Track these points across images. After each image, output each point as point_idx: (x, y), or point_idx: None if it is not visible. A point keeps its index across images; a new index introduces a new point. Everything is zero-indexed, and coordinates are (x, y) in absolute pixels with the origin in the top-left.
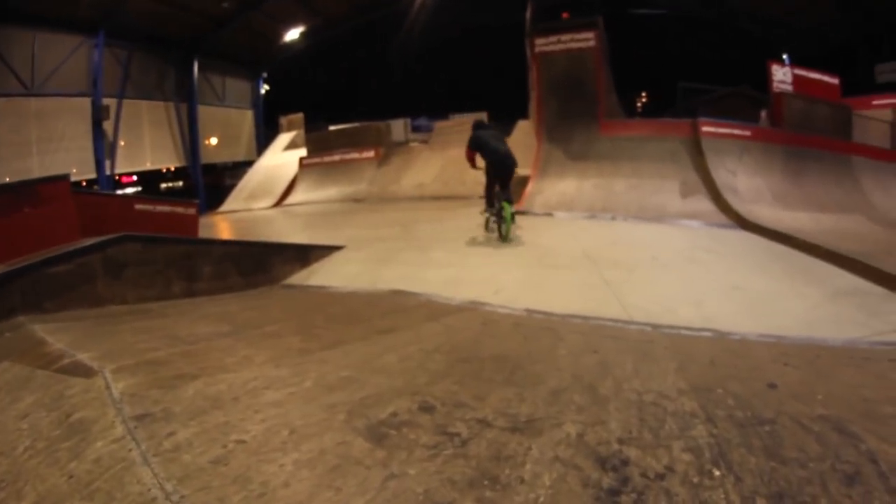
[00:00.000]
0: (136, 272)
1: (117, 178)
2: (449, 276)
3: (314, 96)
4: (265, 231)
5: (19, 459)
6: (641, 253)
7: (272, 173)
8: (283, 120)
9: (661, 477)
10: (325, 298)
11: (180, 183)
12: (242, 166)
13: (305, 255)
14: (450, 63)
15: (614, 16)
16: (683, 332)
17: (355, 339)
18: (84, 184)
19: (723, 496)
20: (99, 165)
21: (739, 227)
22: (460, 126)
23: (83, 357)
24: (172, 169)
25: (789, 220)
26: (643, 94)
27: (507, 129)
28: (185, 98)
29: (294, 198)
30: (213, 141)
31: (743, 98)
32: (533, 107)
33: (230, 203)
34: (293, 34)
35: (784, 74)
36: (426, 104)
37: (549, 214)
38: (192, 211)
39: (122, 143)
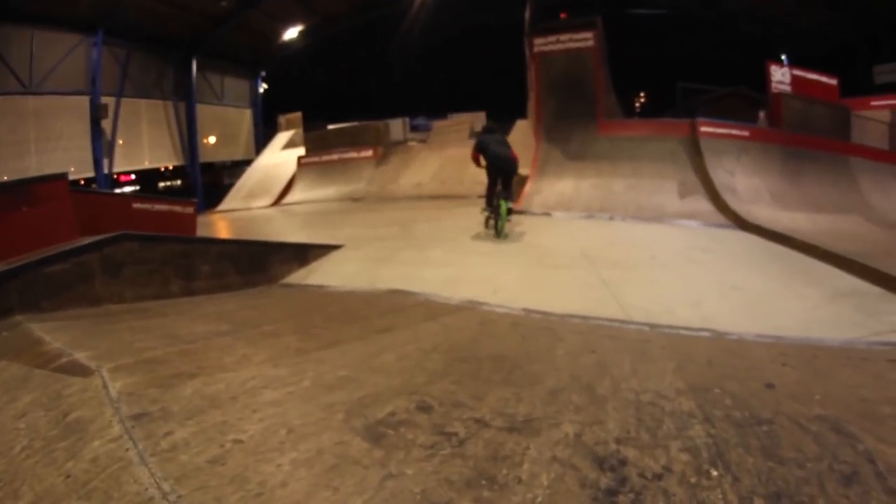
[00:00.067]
0: (134, 271)
1: (115, 176)
2: (447, 275)
3: (313, 95)
4: (263, 230)
5: (16, 459)
6: (640, 253)
7: (270, 172)
8: (282, 119)
9: (658, 477)
10: (323, 298)
11: (178, 182)
12: (241, 165)
13: (304, 254)
14: (449, 62)
15: (613, 16)
16: (681, 332)
17: (353, 339)
18: (82, 182)
19: (720, 496)
20: (97, 164)
21: (738, 228)
22: (459, 126)
23: (81, 356)
24: (171, 168)
25: (787, 220)
26: (642, 95)
27: (506, 128)
28: (184, 97)
29: (292, 197)
30: (212, 140)
31: (741, 98)
32: (531, 106)
33: (228, 202)
34: (292, 33)
35: (782, 75)
36: (425, 103)
37: (548, 214)
38: (190, 210)
39: (121, 142)
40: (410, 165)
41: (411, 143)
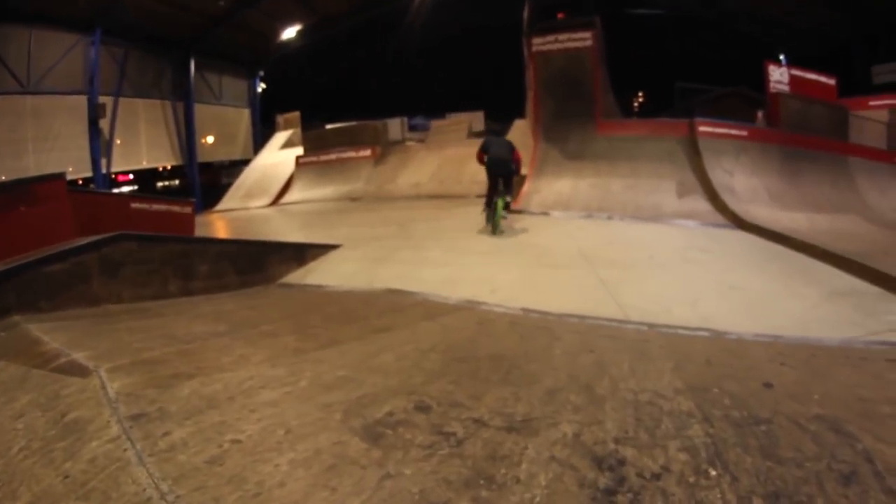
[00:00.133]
0: (132, 271)
1: (113, 176)
2: (445, 275)
3: (311, 95)
4: (261, 230)
5: (14, 460)
6: (638, 252)
7: (269, 172)
8: (280, 118)
9: (657, 477)
10: (321, 297)
11: (177, 181)
12: (239, 165)
13: (302, 254)
14: (447, 62)
15: (611, 15)
16: (680, 331)
17: (351, 339)
18: (80, 182)
19: (719, 496)
20: (95, 164)
21: (736, 227)
22: (457, 125)
23: (79, 356)
24: (169, 167)
25: (786, 220)
26: (640, 94)
27: (505, 129)
28: (182, 96)
29: (290, 196)
30: (210, 139)
31: (740, 98)
32: (530, 106)
33: (226, 202)
34: (290, 33)
35: (781, 75)
36: (423, 103)
37: (546, 214)
38: (188, 210)
39: (119, 142)
40: (408, 165)
41: (409, 143)
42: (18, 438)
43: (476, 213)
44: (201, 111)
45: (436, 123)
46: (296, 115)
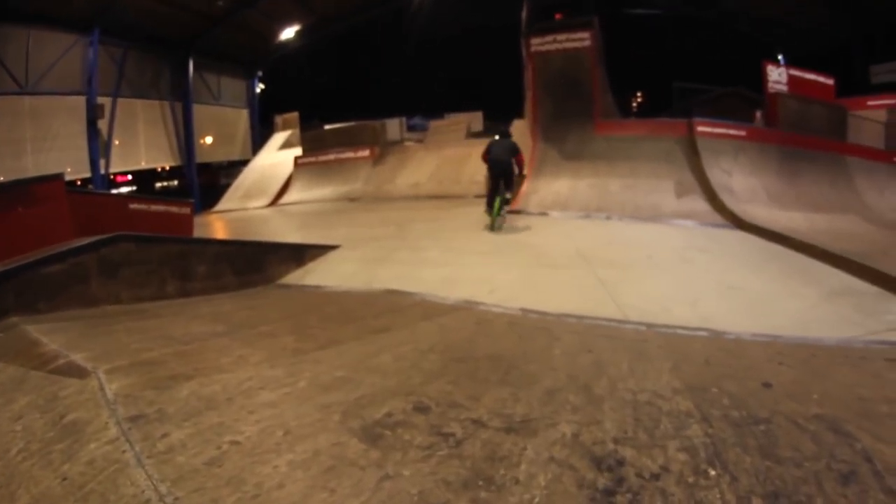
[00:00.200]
0: (131, 272)
1: (112, 177)
2: (444, 275)
3: (309, 95)
4: (260, 230)
5: (13, 461)
6: (636, 252)
7: (267, 172)
8: (279, 119)
9: (656, 477)
10: (320, 298)
11: (175, 182)
12: (237, 165)
13: (300, 254)
14: (446, 62)
15: (610, 16)
16: (678, 331)
17: (350, 339)
18: (79, 183)
19: (718, 496)
20: (93, 164)
21: (735, 227)
22: (455, 125)
23: (77, 358)
24: (167, 168)
25: (785, 219)
26: (639, 94)
27: (503, 128)
28: (181, 97)
29: (289, 197)
30: (209, 140)
31: (738, 98)
32: (528, 106)
33: (225, 202)
34: (289, 33)
35: (779, 75)
36: (421, 103)
37: (545, 214)
38: (186, 210)
39: (117, 142)
40: (407, 165)
41: (408, 143)
42: (17, 440)
43: (474, 213)
44: (200, 112)
45: (434, 124)
46: (294, 115)
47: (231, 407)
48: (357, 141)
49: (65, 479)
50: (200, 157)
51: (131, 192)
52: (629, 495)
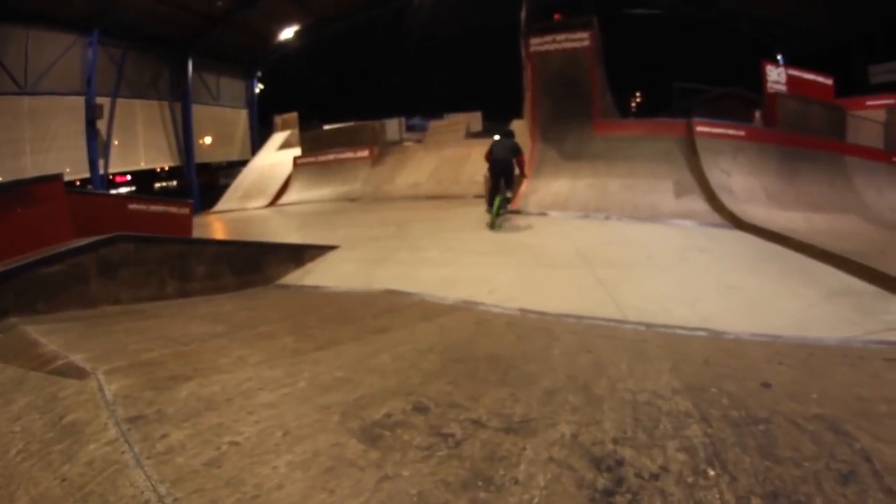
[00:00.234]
0: (130, 272)
1: (111, 177)
2: (443, 275)
3: (309, 95)
4: (259, 231)
5: (12, 462)
6: (636, 252)
7: (266, 173)
8: (278, 119)
9: (655, 477)
10: (319, 298)
11: (174, 182)
12: (237, 166)
13: (300, 254)
14: (445, 62)
15: (609, 16)
16: (678, 331)
17: (349, 340)
18: (78, 183)
19: (717, 496)
20: (93, 165)
21: (734, 227)
22: (455, 126)
23: (76, 358)
24: (166, 168)
25: (783, 219)
26: (638, 94)
27: (502, 128)
28: (180, 97)
29: (288, 197)
30: (208, 140)
31: (737, 98)
32: (527, 106)
33: (224, 203)
34: (288, 33)
35: (778, 75)
36: (421, 103)
37: (544, 214)
38: (185, 211)
39: (116, 143)
40: (406, 165)
41: (407, 144)
42: (16, 441)
43: (474, 213)
44: (199, 112)
45: (434, 124)
46: (293, 115)
47: (230, 407)
48: (356, 141)
49: (64, 479)
50: (199, 158)
51: (130, 192)
52: (628, 495)
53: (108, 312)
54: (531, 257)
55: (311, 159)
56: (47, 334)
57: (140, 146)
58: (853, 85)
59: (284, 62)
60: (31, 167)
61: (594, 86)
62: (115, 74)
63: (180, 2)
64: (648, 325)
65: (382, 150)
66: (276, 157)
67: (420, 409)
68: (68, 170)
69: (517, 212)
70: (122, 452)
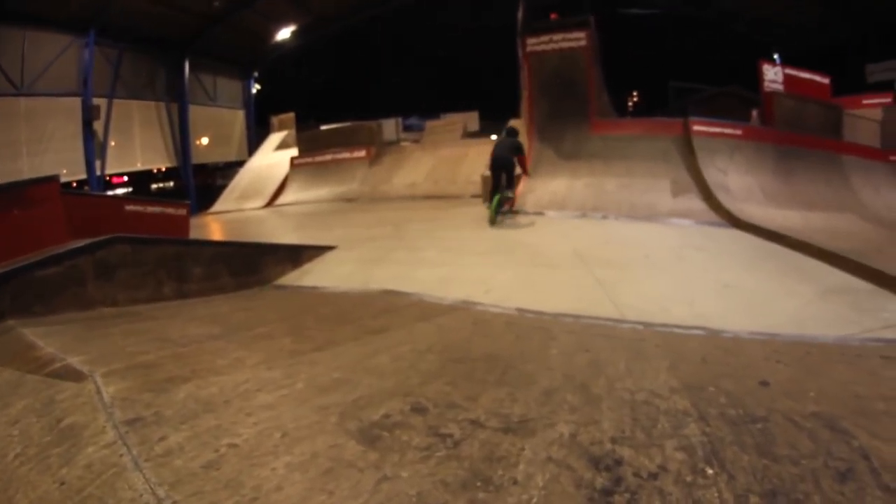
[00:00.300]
0: (127, 274)
1: (108, 178)
2: (441, 275)
3: (305, 96)
4: (256, 231)
5: (10, 466)
6: (633, 251)
7: (263, 173)
8: (275, 119)
9: (654, 476)
10: (316, 299)
11: (171, 183)
12: (234, 166)
13: (297, 255)
14: (442, 62)
15: (606, 15)
16: (675, 330)
17: (347, 340)
18: (74, 185)
19: (716, 495)
20: (89, 166)
21: (731, 226)
22: (451, 125)
23: (74, 361)
24: (163, 169)
25: (780, 218)
26: (635, 94)
27: (499, 128)
28: (176, 98)
29: (285, 198)
30: (205, 141)
31: (734, 97)
32: (524, 106)
33: (221, 203)
34: (285, 33)
35: (775, 74)
36: (418, 103)
37: (541, 213)
38: (182, 212)
39: (113, 144)
40: (403, 165)
41: (404, 144)
42: (14, 445)
43: (471, 213)
44: (196, 112)
45: (430, 124)
46: (290, 116)
47: (228, 409)
48: (353, 141)
49: (63, 483)
50: (196, 159)
51: (127, 193)
52: (627, 495)
53: (106, 314)
54: (529, 257)
55: (308, 160)
56: (44, 337)
57: (137, 147)
58: (850, 84)
59: (281, 62)
60: (27, 169)
61: (591, 85)
62: (111, 75)
63: (177, 2)
64: (646, 325)
65: (379, 150)
66: (273, 158)
67: (418, 409)
68: (65, 171)
69: (515, 211)
70: (121, 455)
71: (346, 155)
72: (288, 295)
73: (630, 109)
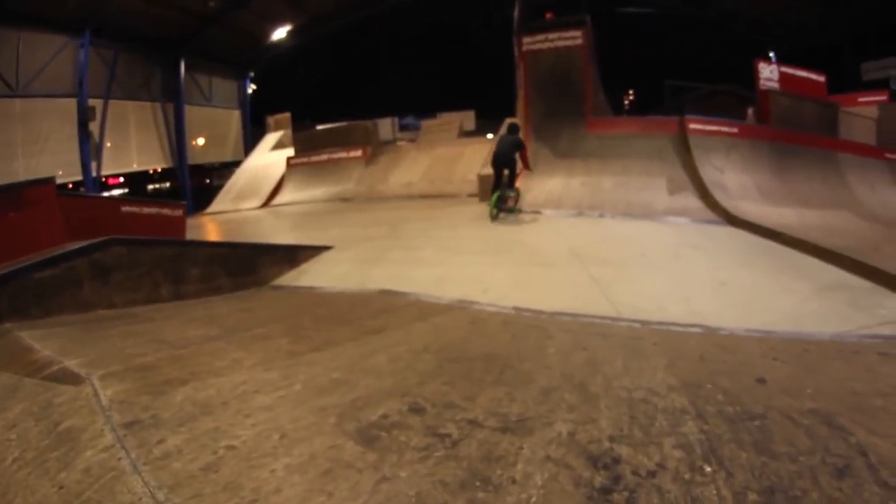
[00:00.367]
0: (124, 276)
1: (104, 179)
2: (437, 275)
3: (301, 96)
4: (253, 232)
5: (8, 471)
6: (629, 250)
7: (259, 173)
8: (271, 119)
9: (652, 474)
10: (313, 299)
11: (167, 184)
12: (230, 167)
13: (293, 255)
14: (438, 62)
15: (602, 14)
16: (672, 328)
17: (344, 341)
18: (70, 186)
19: (714, 492)
20: (85, 167)
21: (727, 224)
22: (447, 125)
23: (71, 364)
24: (159, 170)
25: (776, 216)
26: (630, 92)
27: (495, 127)
28: (172, 98)
29: (281, 198)
30: (200, 141)
31: (730, 96)
32: (520, 105)
33: (217, 204)
34: (280, 33)
35: (771, 72)
36: (414, 102)
37: (537, 212)
38: (179, 212)
39: (109, 145)
40: (400, 165)
41: (400, 143)
42: (12, 449)
43: (467, 212)
44: (191, 113)
45: (426, 123)
46: (286, 115)
47: (226, 411)
48: (349, 141)
49: (61, 487)
50: (192, 159)
51: (123, 194)
52: (626, 493)
53: (103, 316)
54: (525, 256)
55: (305, 160)
56: (41, 340)
57: (133, 148)
58: (846, 82)
59: (277, 62)
60: (23, 170)
61: (587, 84)
62: (107, 76)
63: (173, 2)
64: (643, 323)
65: (375, 149)
66: (269, 158)
67: (416, 409)
68: (60, 172)
69: (519, 210)
70: (119, 459)
71: (343, 155)
72: (285, 295)
73: (626, 108)
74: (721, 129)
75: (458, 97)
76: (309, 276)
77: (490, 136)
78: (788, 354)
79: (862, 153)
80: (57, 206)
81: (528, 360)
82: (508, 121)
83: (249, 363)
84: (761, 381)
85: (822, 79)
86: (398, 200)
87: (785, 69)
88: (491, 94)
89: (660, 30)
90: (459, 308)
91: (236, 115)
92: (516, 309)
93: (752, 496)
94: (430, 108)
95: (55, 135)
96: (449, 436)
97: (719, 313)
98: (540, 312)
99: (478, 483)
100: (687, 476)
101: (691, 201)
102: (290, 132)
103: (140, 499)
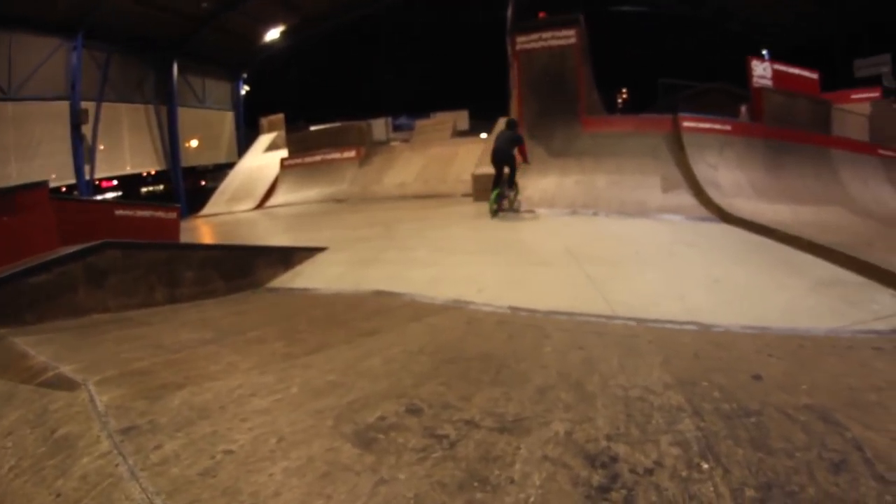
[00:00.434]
0: (118, 280)
1: (97, 183)
2: (432, 275)
3: (295, 97)
4: (247, 234)
5: (5, 479)
6: (624, 248)
7: (253, 175)
8: (264, 121)
9: (650, 472)
10: (308, 301)
11: (161, 187)
12: (223, 169)
13: (288, 257)
14: (432, 61)
15: (595, 13)
16: (668, 325)
17: (340, 343)
18: (63, 190)
19: (712, 489)
20: (78, 171)
21: (721, 221)
22: (441, 125)
23: (66, 369)
24: (153, 173)
25: (770, 212)
26: (624, 91)
27: (489, 126)
28: (165, 100)
29: (276, 199)
30: (194, 143)
31: (723, 93)
32: (514, 104)
33: (211, 206)
34: (273, 34)
35: (764, 70)
36: (407, 102)
37: (531, 211)
38: (173, 215)
39: (102, 148)
40: (393, 165)
41: (394, 143)
42: (8, 457)
43: (462, 212)
44: (185, 115)
45: (420, 123)
46: (280, 117)
47: (223, 415)
48: (343, 141)
49: (59, 495)
50: (186, 161)
51: (117, 197)
52: (624, 491)
53: (97, 321)
54: (520, 255)
55: (298, 161)
56: (36, 345)
57: (126, 151)
58: (839, 79)
59: (270, 63)
60: (15, 174)
61: (581, 83)
62: (99, 78)
63: (165, 4)
64: (638, 321)
65: (369, 150)
66: (263, 160)
67: (413, 410)
68: (54, 176)
69: (511, 207)
70: (116, 465)
71: (336, 155)
72: (280, 297)
73: (619, 106)
74: (714, 127)
75: (452, 97)
76: (303, 277)
77: (484, 135)
78: (783, 350)
79: (855, 149)
80: (50, 210)
81: (524, 360)
82: (506, 118)
83: (245, 367)
84: (757, 377)
85: (815, 76)
86: (392, 201)
87: (778, 66)
88: (485, 94)
89: (654, 28)
90: (455, 308)
91: (230, 116)
92: (512, 308)
93: (750, 492)
94: (423, 107)
95: (48, 138)
96: (446, 437)
97: (714, 310)
98: (535, 312)
99: (476, 484)
100: (684, 473)
101: (685, 199)
102: (283, 133)
103: None
